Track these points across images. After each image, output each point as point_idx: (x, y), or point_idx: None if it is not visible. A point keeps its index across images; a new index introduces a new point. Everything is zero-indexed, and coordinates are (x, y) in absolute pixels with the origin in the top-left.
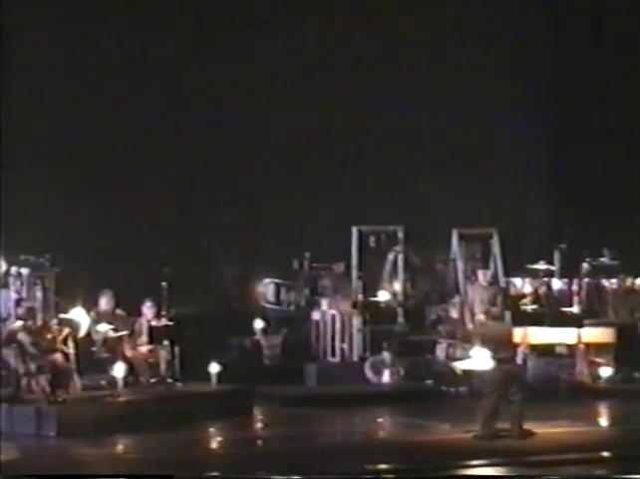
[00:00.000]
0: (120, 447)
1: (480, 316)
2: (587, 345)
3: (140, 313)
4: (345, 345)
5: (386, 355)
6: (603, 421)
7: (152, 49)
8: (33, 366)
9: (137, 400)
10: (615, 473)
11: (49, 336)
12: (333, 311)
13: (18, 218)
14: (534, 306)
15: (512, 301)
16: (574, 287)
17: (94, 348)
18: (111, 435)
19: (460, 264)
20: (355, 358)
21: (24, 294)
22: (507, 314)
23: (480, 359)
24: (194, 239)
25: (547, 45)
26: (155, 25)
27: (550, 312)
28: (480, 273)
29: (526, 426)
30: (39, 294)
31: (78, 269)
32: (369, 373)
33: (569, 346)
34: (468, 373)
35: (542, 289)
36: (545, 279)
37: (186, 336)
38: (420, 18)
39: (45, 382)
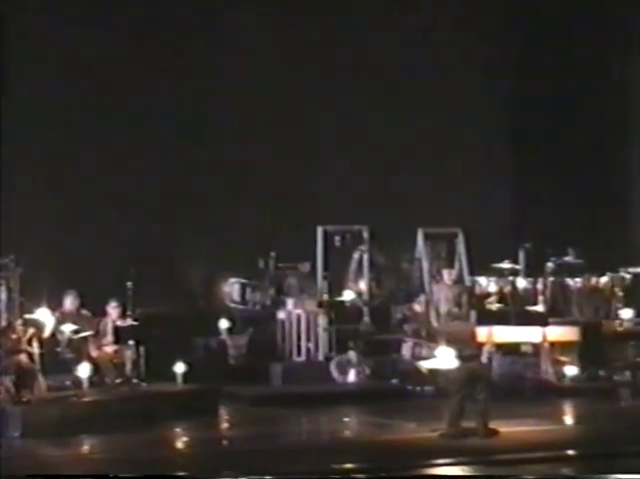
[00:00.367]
0: (85, 447)
1: (445, 316)
2: (552, 344)
3: (105, 313)
4: (311, 345)
5: (352, 355)
6: (568, 420)
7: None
8: None
9: (102, 400)
10: (580, 472)
11: (13, 337)
12: (299, 311)
13: None
14: (499, 305)
15: (478, 300)
16: (539, 286)
17: (59, 349)
18: (76, 435)
19: (425, 264)
20: (321, 358)
21: None
22: (473, 313)
23: (445, 358)
24: (160, 238)
25: (512, 45)
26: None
27: (515, 311)
28: (446, 273)
29: (492, 425)
30: (3, 295)
31: (42, 270)
32: (335, 373)
33: (534, 345)
34: (433, 372)
35: (507, 288)
36: (510, 278)
37: (152, 336)
38: (383, 18)
39: (9, 383)
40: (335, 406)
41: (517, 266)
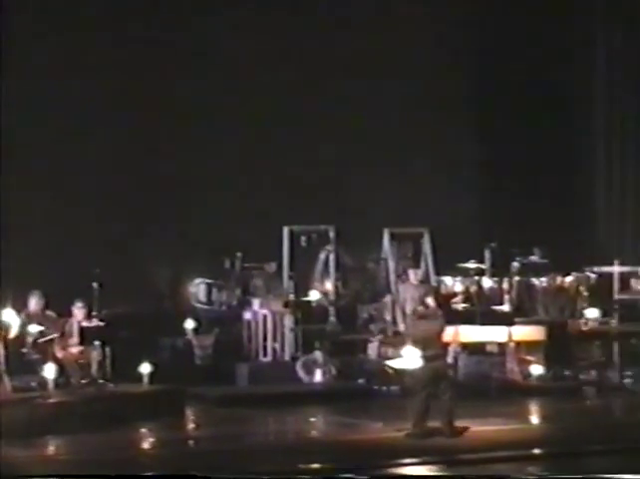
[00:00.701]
0: (51, 448)
1: (411, 315)
2: (518, 343)
3: (70, 314)
4: (277, 345)
5: (318, 355)
6: (534, 419)
7: None
8: None
9: (68, 401)
10: (546, 471)
11: None
12: (265, 311)
13: None
14: (465, 305)
15: (443, 300)
16: (505, 286)
17: (24, 349)
18: (42, 436)
19: (391, 264)
20: (287, 358)
21: None
22: (439, 313)
23: (410, 358)
24: (125, 238)
25: (478, 45)
26: None
27: (481, 311)
28: (412, 272)
29: (458, 424)
30: None
31: (7, 270)
32: (301, 373)
33: (500, 345)
34: (399, 372)
35: (473, 288)
36: (476, 278)
37: (117, 337)
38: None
39: None
40: (301, 406)
41: (483, 266)
